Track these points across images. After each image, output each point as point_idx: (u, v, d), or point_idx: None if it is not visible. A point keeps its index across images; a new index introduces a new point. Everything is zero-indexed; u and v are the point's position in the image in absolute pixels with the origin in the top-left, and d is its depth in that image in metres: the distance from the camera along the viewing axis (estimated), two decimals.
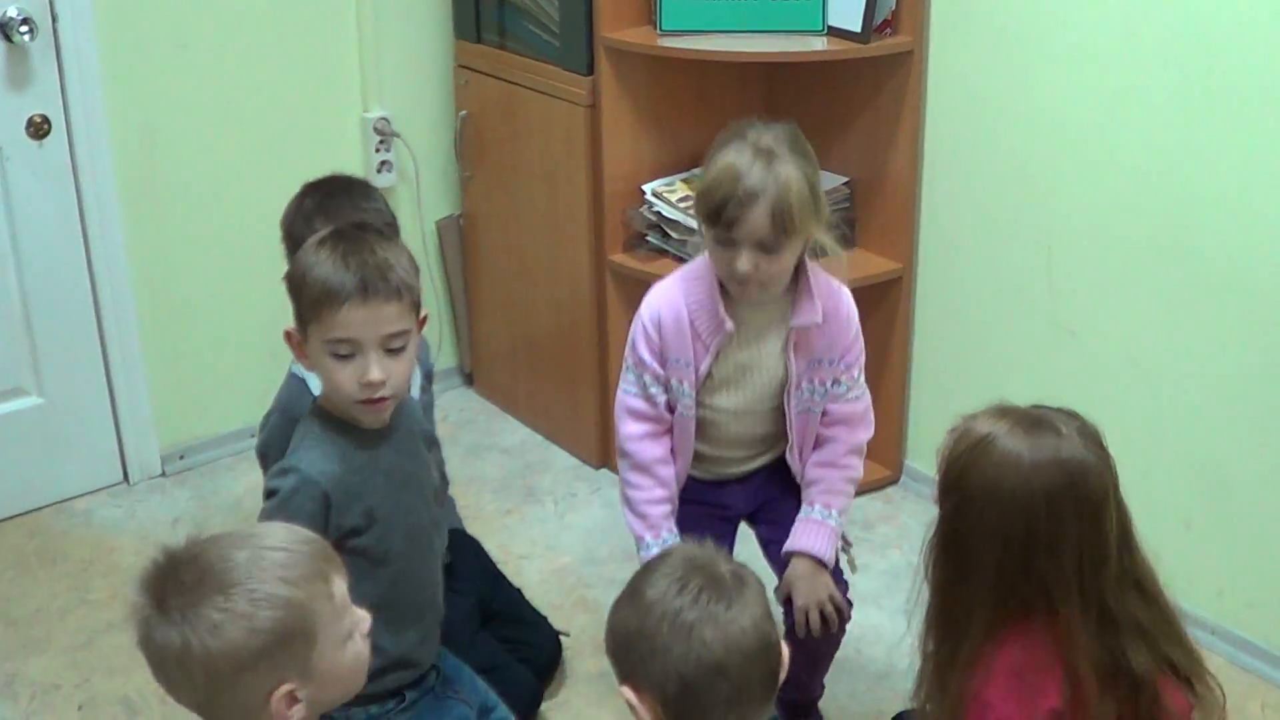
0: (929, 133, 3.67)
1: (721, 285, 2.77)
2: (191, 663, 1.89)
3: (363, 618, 2.01)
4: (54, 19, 3.58)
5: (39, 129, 3.62)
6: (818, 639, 2.88)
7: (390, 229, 2.96)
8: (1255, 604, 3.26)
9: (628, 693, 1.96)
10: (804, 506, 2.94)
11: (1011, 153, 3.49)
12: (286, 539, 1.97)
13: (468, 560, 3.28)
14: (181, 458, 4.10)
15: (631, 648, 1.96)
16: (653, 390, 2.84)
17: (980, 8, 3.46)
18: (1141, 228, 3.25)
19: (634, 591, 1.98)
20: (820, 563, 2.87)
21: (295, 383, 2.94)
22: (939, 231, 3.73)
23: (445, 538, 2.81)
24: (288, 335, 2.48)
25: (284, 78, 3.98)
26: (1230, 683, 3.00)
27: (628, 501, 2.91)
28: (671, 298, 2.81)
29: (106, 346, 3.90)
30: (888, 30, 3.59)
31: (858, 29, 3.54)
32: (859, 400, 2.95)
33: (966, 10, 3.50)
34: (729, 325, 2.76)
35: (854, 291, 3.71)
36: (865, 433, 2.98)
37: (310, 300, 2.40)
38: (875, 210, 3.81)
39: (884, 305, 3.84)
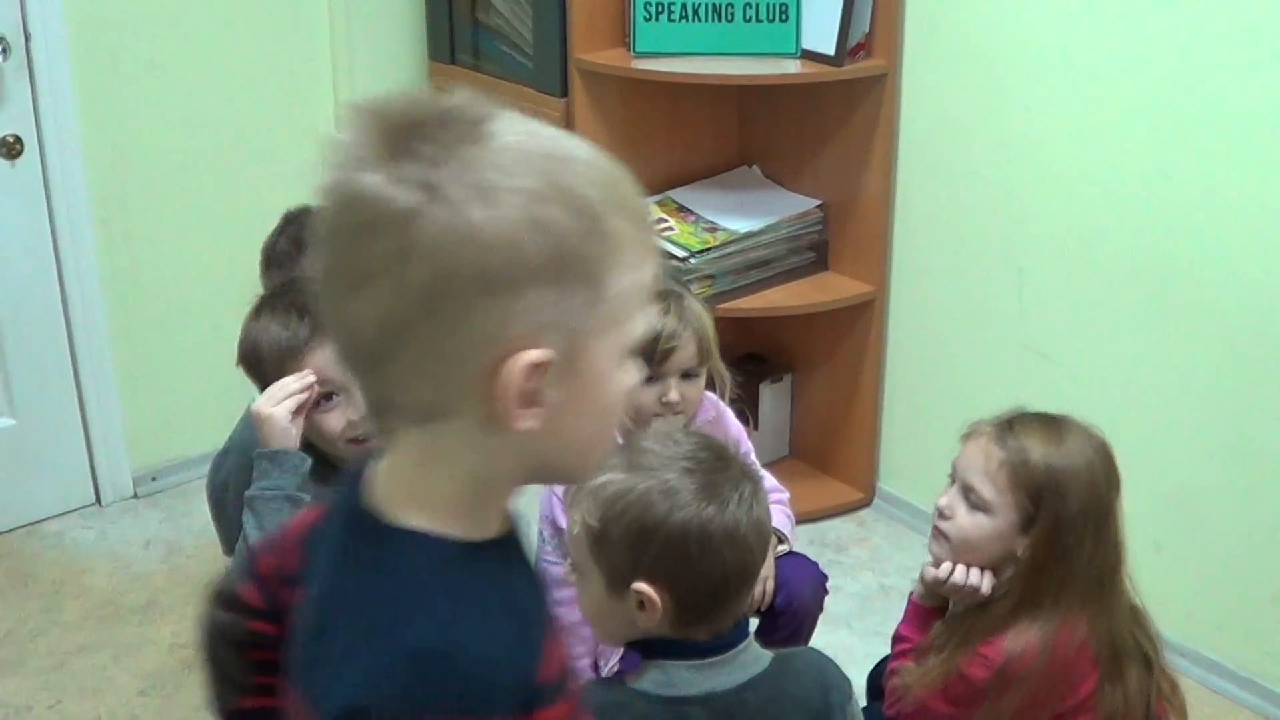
0: (902, 155, 3.68)
1: None
2: (421, 243, 1.18)
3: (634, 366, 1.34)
4: (27, 39, 3.57)
5: (11, 149, 3.61)
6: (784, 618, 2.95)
7: None
8: (1224, 626, 3.28)
9: (643, 587, 1.96)
10: None
11: (984, 175, 3.50)
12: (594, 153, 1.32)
13: None
14: (154, 479, 4.10)
15: (656, 557, 1.96)
16: None
17: (954, 31, 3.48)
18: (1113, 250, 3.26)
19: (645, 506, 1.97)
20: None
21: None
22: (912, 253, 3.74)
23: None
24: None
25: (257, 98, 3.98)
26: (1199, 705, 3.02)
27: None
28: None
29: (79, 368, 3.88)
30: (861, 53, 3.60)
31: (831, 52, 3.55)
32: (764, 478, 2.99)
33: (940, 33, 3.51)
34: None
35: (827, 314, 3.78)
36: (783, 495, 3.06)
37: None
38: (848, 232, 3.82)
39: (857, 327, 3.85)
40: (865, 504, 4.03)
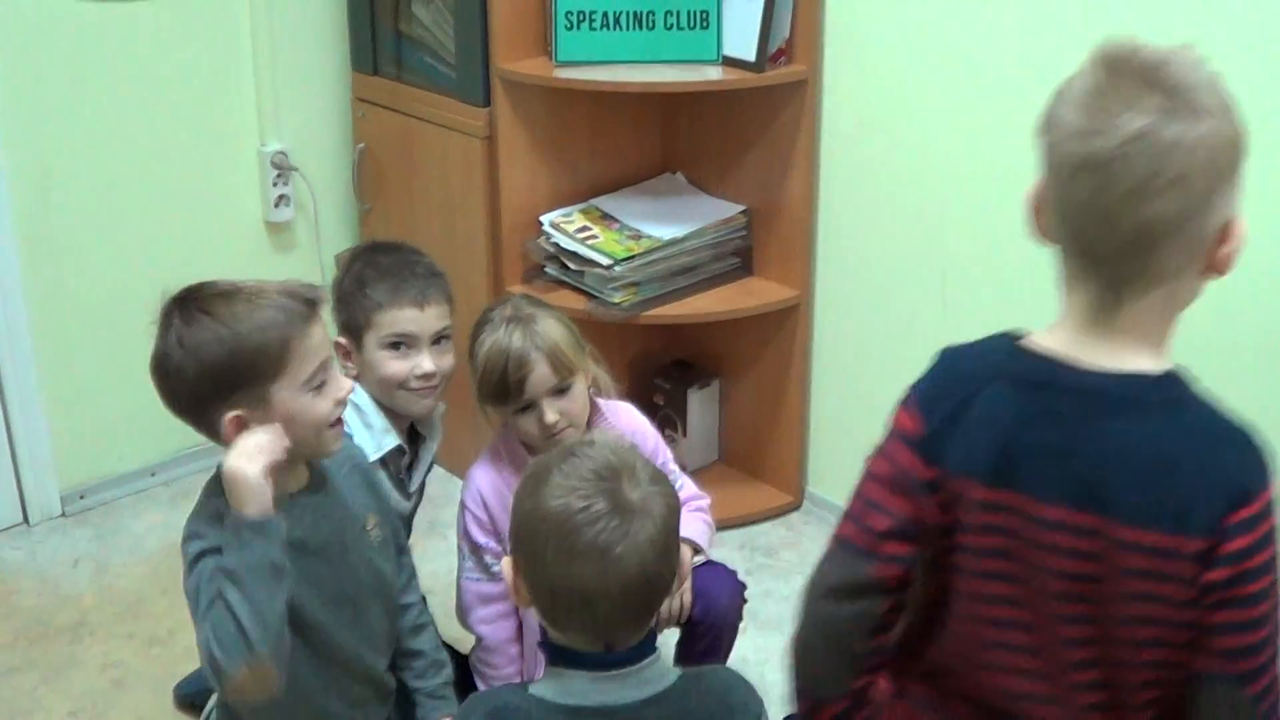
0: (824, 160, 3.70)
1: (528, 448, 2.89)
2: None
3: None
4: None
5: None
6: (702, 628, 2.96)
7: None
8: None
9: (507, 563, 2.05)
10: None
11: (906, 179, 3.53)
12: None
13: None
14: (82, 497, 4.06)
15: (519, 537, 2.02)
16: (496, 569, 2.91)
17: (873, 36, 3.51)
18: (1036, 253, 3.28)
19: (538, 480, 2.01)
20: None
21: None
22: (836, 258, 3.76)
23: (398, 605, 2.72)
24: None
25: (180, 112, 3.96)
26: None
27: (485, 679, 2.98)
28: (487, 475, 2.93)
29: (3, 386, 3.85)
30: (782, 59, 3.62)
31: (753, 58, 3.57)
32: (685, 485, 3.03)
33: (860, 39, 3.54)
34: None
35: (753, 319, 3.78)
36: (703, 501, 3.06)
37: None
38: (772, 238, 3.84)
39: (782, 332, 3.87)
40: (795, 507, 4.05)
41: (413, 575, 2.79)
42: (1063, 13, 3.12)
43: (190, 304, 2.27)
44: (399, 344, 2.92)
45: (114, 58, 3.82)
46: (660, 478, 2.05)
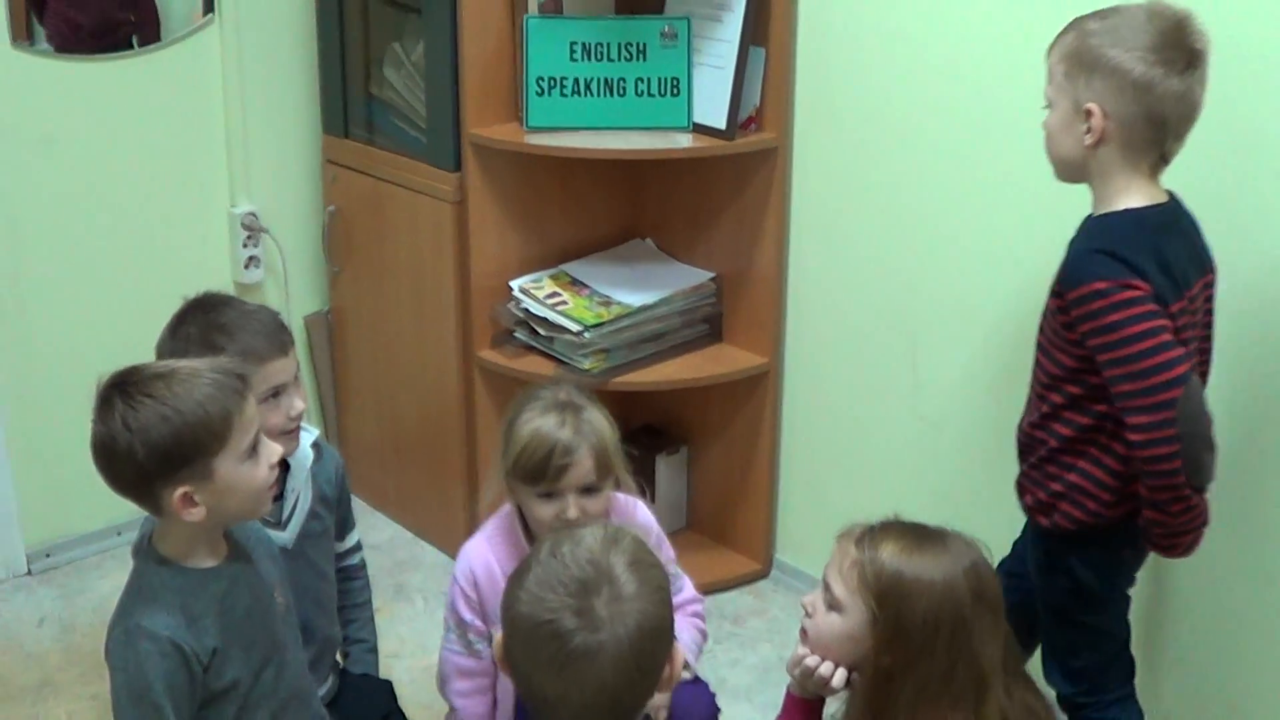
0: (794, 227, 3.71)
1: (526, 531, 2.87)
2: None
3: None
4: None
5: None
6: None
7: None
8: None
9: (499, 639, 2.04)
10: None
11: (875, 246, 3.53)
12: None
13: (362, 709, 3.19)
14: (47, 555, 4.03)
15: (505, 622, 2.01)
16: (478, 646, 2.90)
17: (843, 104, 3.52)
18: (1005, 319, 3.30)
19: (519, 575, 2.01)
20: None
21: None
22: (805, 324, 3.76)
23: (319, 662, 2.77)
24: None
25: (151, 171, 3.96)
26: None
27: None
28: (481, 553, 2.90)
29: None
30: (753, 126, 3.63)
31: (723, 126, 3.58)
32: (684, 588, 2.99)
33: (830, 107, 3.55)
34: None
35: (722, 386, 3.78)
36: (699, 606, 3.03)
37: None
38: (742, 304, 3.84)
39: (752, 399, 3.87)
40: (763, 575, 4.03)
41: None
42: (1030, 82, 3.13)
43: (130, 387, 2.31)
44: (276, 394, 2.84)
45: (85, 117, 3.82)
46: (644, 588, 1.99)
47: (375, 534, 4.21)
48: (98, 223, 3.90)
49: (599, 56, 3.64)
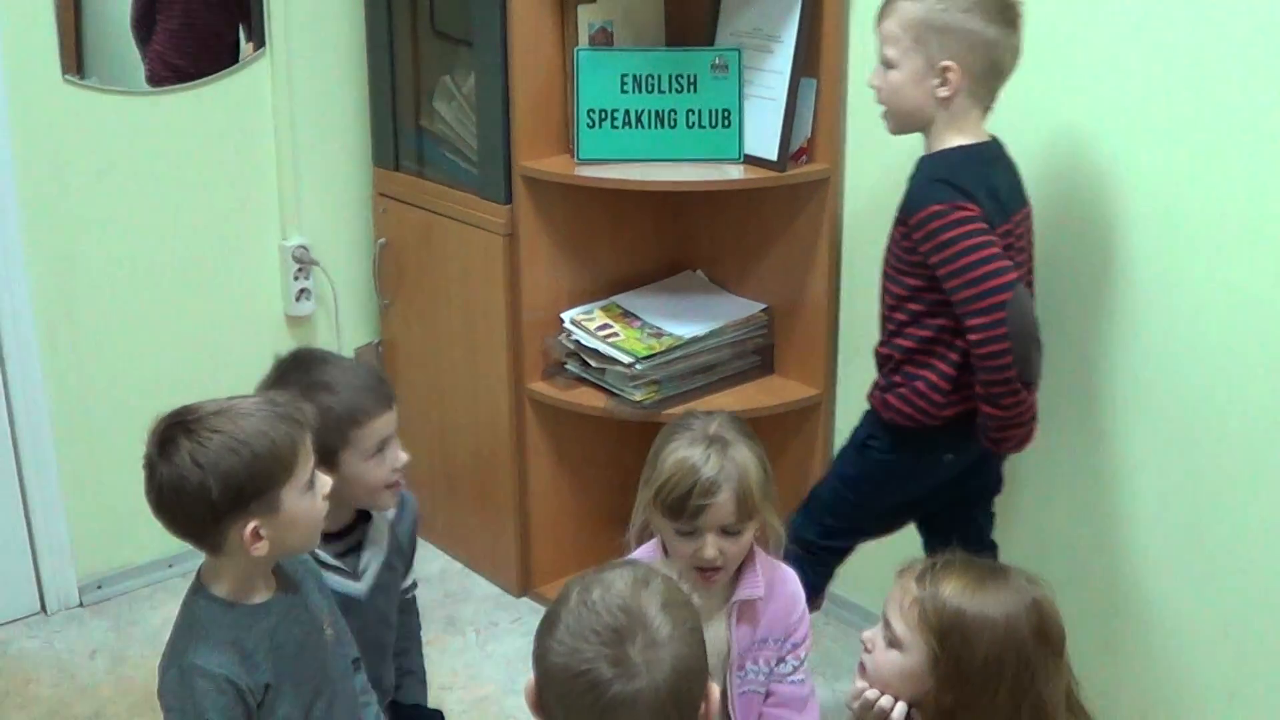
0: (846, 257, 3.70)
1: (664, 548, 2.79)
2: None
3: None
4: None
5: None
6: None
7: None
8: None
9: (530, 684, 1.98)
10: None
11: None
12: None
13: None
14: (99, 587, 4.05)
15: (538, 672, 1.96)
16: None
17: (894, 136, 3.50)
18: (1055, 351, 3.28)
19: (550, 625, 1.96)
20: None
21: None
22: (857, 355, 3.74)
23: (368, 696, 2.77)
24: None
25: (203, 205, 3.98)
26: None
27: None
28: None
29: (23, 475, 3.84)
30: (804, 157, 3.62)
31: (774, 157, 3.58)
32: (804, 684, 2.91)
33: (881, 137, 3.50)
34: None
35: (773, 418, 3.75)
36: (806, 689, 2.93)
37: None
38: (793, 336, 3.83)
39: (803, 431, 3.85)
40: (815, 607, 4.00)
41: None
42: (1083, 109, 3.13)
43: (193, 424, 2.31)
44: (381, 448, 2.87)
45: (137, 151, 3.84)
46: (678, 630, 1.92)
47: (426, 566, 4.20)
48: (150, 256, 3.92)
49: (650, 88, 3.64)
